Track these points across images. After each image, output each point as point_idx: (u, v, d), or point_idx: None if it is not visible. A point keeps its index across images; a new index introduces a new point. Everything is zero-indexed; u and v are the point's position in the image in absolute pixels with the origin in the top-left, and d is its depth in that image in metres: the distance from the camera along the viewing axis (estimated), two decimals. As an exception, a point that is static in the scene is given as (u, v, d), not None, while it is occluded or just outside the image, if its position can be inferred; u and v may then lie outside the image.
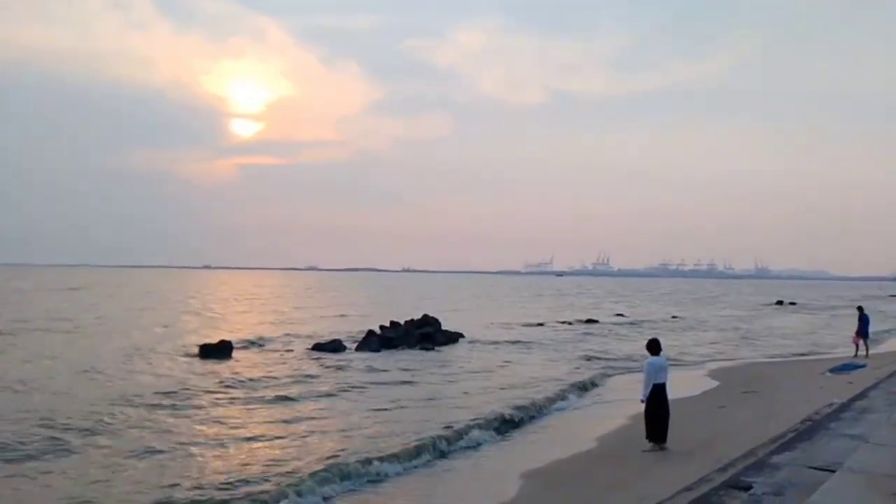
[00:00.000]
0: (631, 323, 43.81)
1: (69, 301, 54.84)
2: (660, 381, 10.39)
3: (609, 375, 20.63)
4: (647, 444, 10.61)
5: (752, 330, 39.79)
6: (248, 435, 12.16)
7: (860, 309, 22.79)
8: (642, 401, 10.52)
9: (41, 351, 23.32)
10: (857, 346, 22.21)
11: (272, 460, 10.52)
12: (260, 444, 11.49)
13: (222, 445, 11.40)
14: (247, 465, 10.27)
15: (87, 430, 12.17)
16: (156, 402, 14.97)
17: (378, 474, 9.96)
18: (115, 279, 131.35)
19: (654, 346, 10.61)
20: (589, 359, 24.57)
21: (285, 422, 13.43)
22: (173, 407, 14.52)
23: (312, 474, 9.53)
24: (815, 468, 7.70)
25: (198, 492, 8.92)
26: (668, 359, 10.97)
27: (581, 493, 8.94)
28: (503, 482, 9.65)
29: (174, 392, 16.17)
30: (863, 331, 22.12)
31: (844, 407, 11.98)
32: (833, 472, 7.49)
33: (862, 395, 13.21)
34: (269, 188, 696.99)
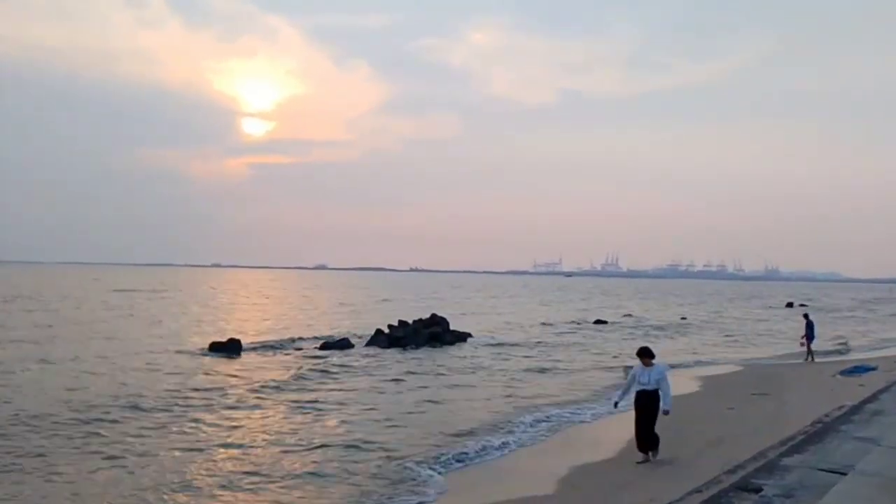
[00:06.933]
0: (640, 324, 43.64)
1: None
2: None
3: (619, 377, 20.52)
4: (640, 456, 10.10)
5: (761, 331, 39.58)
6: (241, 437, 12.13)
7: (806, 316, 24.34)
8: (666, 412, 9.90)
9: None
10: (808, 349, 23.50)
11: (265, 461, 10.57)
12: (254, 445, 11.48)
13: (217, 447, 11.39)
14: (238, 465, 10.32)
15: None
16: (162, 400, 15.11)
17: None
18: (165, 279, 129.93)
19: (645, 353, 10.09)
20: (598, 360, 24.52)
21: (286, 419, 13.52)
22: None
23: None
24: (826, 470, 7.67)
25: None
26: (667, 364, 10.54)
27: (592, 493, 8.93)
28: (516, 483, 9.64)
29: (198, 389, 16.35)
30: (809, 335, 23.46)
31: (855, 409, 11.91)
32: (844, 474, 7.45)
33: (873, 398, 13.13)
34: (279, 187, 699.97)
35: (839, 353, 27.58)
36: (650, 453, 10.05)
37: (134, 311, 43.76)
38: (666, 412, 9.85)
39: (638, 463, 10.02)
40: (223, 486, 9.15)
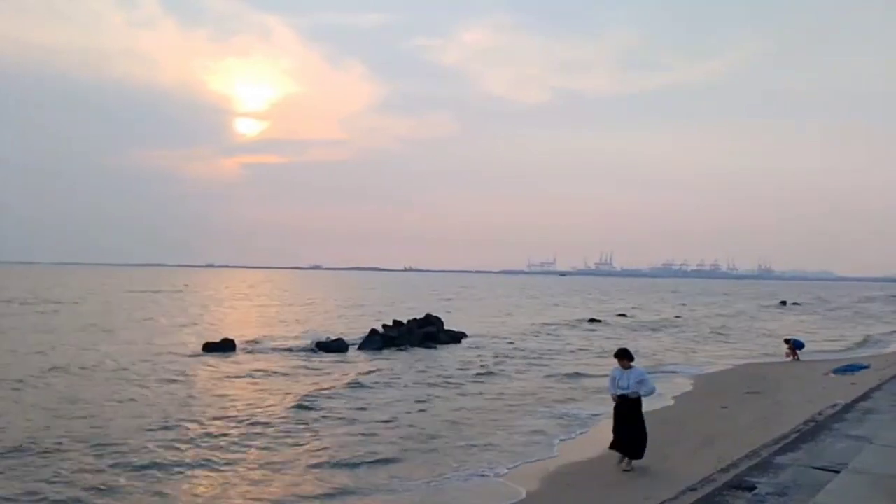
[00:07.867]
0: (634, 323, 43.74)
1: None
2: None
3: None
4: (620, 461, 9.85)
5: (754, 330, 39.72)
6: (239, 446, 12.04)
7: (787, 341, 25.39)
8: (648, 393, 9.81)
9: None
10: (792, 355, 24.22)
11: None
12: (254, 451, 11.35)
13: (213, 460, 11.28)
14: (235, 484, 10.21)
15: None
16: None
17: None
18: (164, 280, 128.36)
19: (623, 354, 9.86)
20: (591, 360, 24.53)
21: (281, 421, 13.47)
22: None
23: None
24: (819, 469, 7.70)
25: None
26: (643, 367, 10.28)
27: (586, 491, 8.94)
28: (514, 482, 9.65)
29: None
30: (797, 346, 24.42)
31: (848, 408, 11.96)
32: (837, 472, 7.48)
33: (865, 397, 13.19)
34: (274, 187, 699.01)
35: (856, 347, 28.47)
36: (625, 461, 9.71)
37: (147, 313, 43.56)
38: (648, 393, 9.72)
39: (624, 470, 9.68)
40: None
